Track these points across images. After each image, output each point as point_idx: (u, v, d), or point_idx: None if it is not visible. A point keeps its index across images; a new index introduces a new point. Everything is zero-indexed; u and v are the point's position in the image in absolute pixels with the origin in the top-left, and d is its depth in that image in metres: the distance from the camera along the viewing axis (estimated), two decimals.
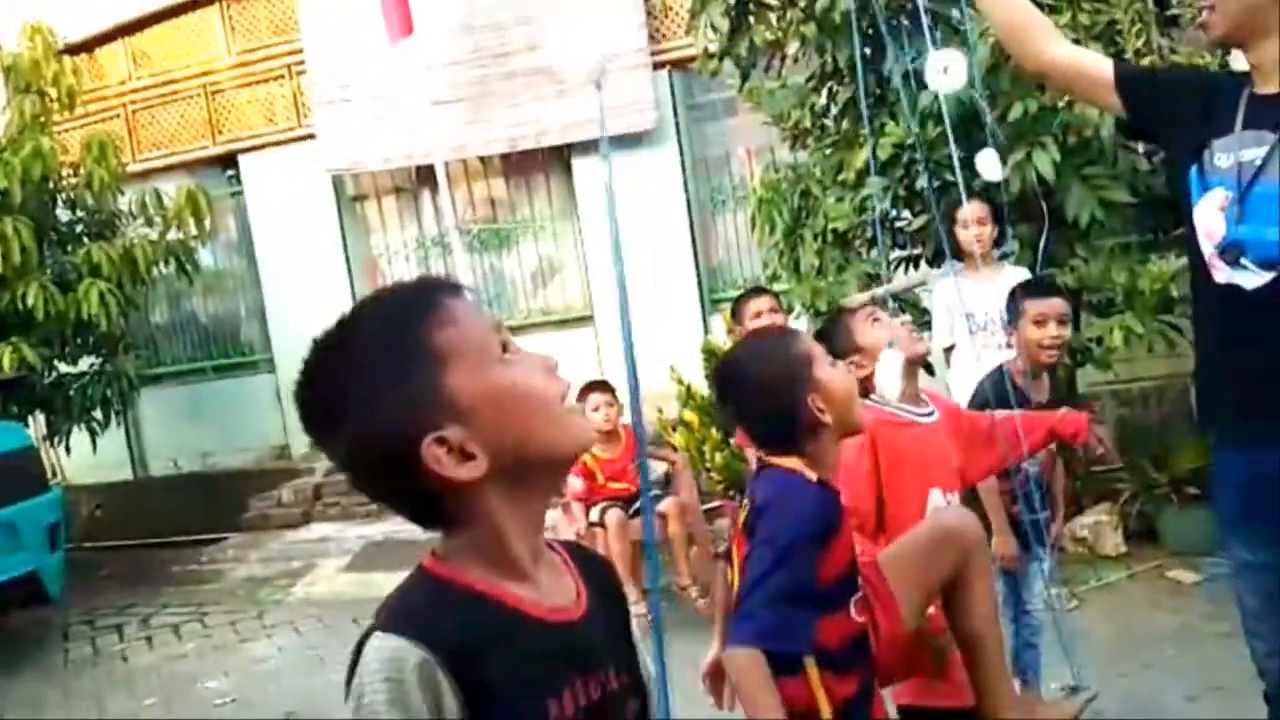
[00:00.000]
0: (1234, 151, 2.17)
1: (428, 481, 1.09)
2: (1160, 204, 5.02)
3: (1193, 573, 4.91)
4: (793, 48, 5.86)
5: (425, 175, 8.69)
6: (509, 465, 1.11)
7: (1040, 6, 5.04)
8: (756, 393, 1.98)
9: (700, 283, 8.24)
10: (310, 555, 7.46)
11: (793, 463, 1.95)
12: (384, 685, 1.06)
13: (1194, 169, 2.24)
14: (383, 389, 1.08)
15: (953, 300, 4.65)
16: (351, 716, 1.08)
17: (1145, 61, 5.02)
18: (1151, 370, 6.07)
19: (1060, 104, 4.94)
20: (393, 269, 9.31)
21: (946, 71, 3.92)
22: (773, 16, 5.87)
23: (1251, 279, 2.15)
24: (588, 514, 5.24)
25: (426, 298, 1.13)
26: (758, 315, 4.35)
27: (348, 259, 9.22)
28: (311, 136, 8.96)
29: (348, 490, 8.16)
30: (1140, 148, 5.00)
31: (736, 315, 4.52)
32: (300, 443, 9.21)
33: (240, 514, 8.51)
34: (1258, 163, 2.14)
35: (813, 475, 1.94)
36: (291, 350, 7.99)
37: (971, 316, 4.58)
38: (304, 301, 9.11)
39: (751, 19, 5.86)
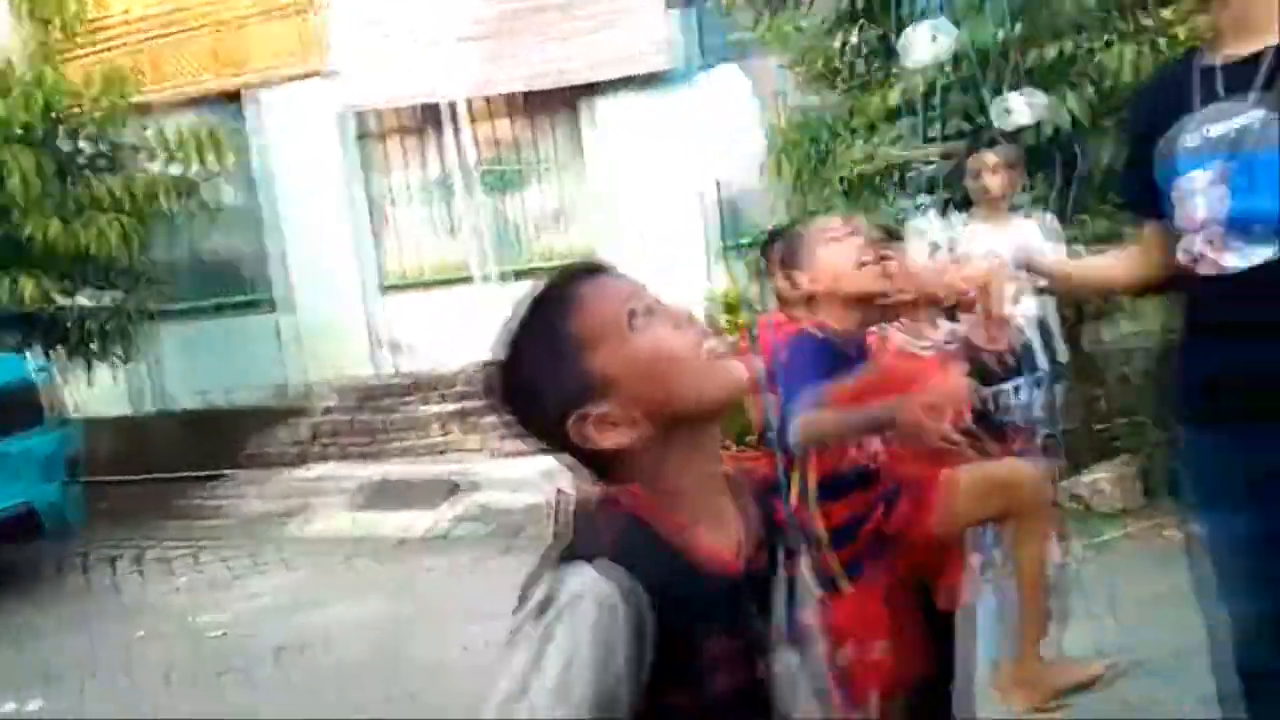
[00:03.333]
0: (1210, 124, 2.02)
1: (589, 451, 1.20)
2: None
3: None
4: None
5: (433, 115, 8.55)
6: (664, 424, 1.20)
7: None
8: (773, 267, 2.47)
9: (710, 228, 8.10)
10: (308, 494, 7.42)
11: (805, 321, 2.35)
12: (595, 611, 1.09)
13: (1157, 159, 2.10)
14: (534, 379, 1.21)
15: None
16: (544, 634, 1.09)
17: (1167, 11, 4.87)
18: (1160, 328, 5.94)
19: (1096, 46, 4.77)
20: (399, 209, 9.19)
21: (935, 40, 3.82)
22: None
23: (1245, 258, 2.02)
24: None
25: (563, 291, 1.23)
26: None
27: (354, 199, 9.10)
28: (322, 73, 8.80)
29: (347, 430, 8.17)
30: None
31: (765, 258, 4.40)
32: (302, 382, 9.17)
33: (240, 451, 8.47)
34: (1247, 130, 1.98)
35: (817, 332, 2.30)
36: (296, 289, 7.89)
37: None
38: (310, 241, 9.04)
39: None
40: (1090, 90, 4.74)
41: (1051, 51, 4.72)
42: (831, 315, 2.31)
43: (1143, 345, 6.04)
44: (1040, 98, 4.08)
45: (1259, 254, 2.01)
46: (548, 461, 1.29)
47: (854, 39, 5.66)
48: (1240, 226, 2.03)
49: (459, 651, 4.28)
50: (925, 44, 3.78)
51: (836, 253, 2.33)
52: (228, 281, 9.71)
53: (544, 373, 1.20)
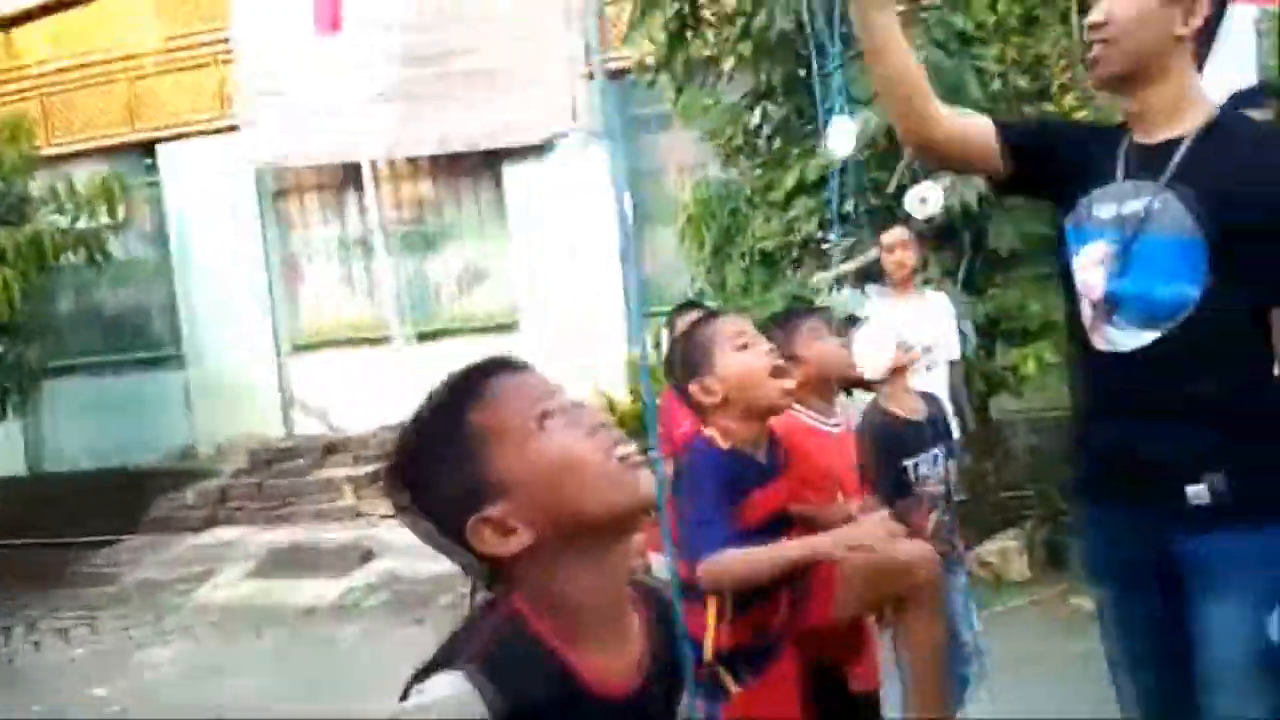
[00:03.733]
0: (1116, 203, 2.07)
1: (483, 553, 1.15)
2: None
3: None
4: (728, 64, 5.87)
5: (350, 173, 8.54)
6: (564, 531, 1.14)
7: (968, 39, 5.19)
8: (669, 373, 2.29)
9: (631, 293, 8.18)
10: (213, 559, 7.23)
11: (710, 431, 2.24)
12: None
13: (1069, 223, 2.14)
14: (432, 475, 1.17)
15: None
16: None
17: (1069, 97, 5.13)
18: (1064, 399, 6.15)
19: None
20: (313, 267, 9.12)
21: (847, 135, 4.06)
22: (710, 33, 5.88)
23: (1130, 339, 2.06)
24: None
25: (470, 384, 1.18)
26: None
27: (267, 255, 9.01)
28: (235, 128, 8.73)
29: (255, 493, 8.00)
30: None
31: (671, 329, 4.49)
32: (207, 443, 8.97)
33: (143, 515, 8.22)
34: (1141, 214, 2.02)
35: (723, 443, 2.21)
36: (203, 347, 7.74)
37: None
38: (218, 297, 8.90)
39: (689, 34, 5.86)
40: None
41: None
42: (735, 421, 2.23)
43: (1053, 416, 6.28)
44: (938, 188, 4.29)
45: (1134, 339, 2.05)
46: None
47: (765, 116, 5.86)
48: (1110, 309, 2.07)
49: None
50: (837, 139, 3.97)
51: (745, 361, 2.23)
52: (135, 337, 9.52)
53: (442, 468, 1.16)
